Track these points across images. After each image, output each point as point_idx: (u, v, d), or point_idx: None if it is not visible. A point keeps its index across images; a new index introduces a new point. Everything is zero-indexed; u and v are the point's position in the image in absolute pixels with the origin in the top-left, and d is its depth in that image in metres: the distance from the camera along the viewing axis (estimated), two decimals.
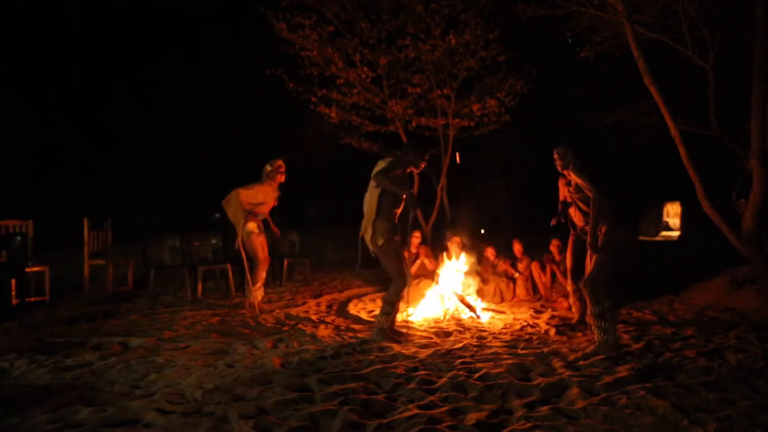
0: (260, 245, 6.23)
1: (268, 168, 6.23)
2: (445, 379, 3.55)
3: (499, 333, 5.18)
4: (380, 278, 8.36)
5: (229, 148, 19.58)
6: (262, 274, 6.34)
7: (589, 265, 4.54)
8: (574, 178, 4.68)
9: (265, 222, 6.43)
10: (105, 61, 18.57)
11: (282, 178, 6.27)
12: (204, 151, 19.77)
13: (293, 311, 6.20)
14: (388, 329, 4.79)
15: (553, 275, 6.89)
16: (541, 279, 6.97)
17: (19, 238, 6.28)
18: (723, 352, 4.24)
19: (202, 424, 2.81)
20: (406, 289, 4.86)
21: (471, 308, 5.97)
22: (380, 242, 4.65)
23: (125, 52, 18.66)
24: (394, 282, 4.74)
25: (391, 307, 4.74)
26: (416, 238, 7.31)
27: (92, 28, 17.90)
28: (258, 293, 6.31)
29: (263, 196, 6.17)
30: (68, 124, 18.73)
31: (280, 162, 6.25)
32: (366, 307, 6.61)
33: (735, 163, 6.45)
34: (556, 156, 4.80)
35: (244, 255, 6.13)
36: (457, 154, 8.40)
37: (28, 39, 17.30)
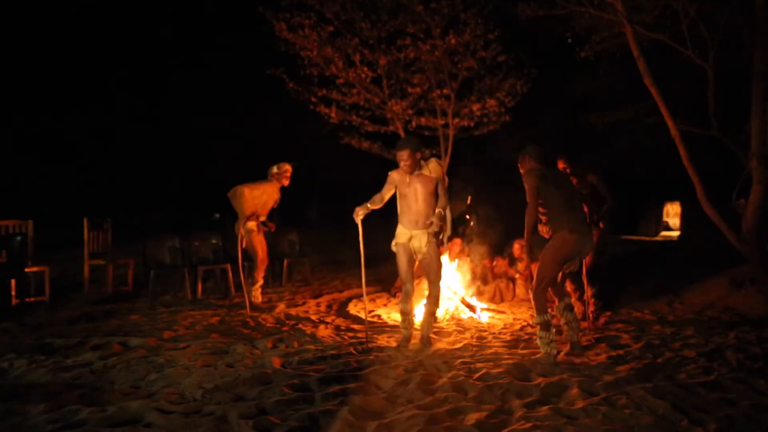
0: (260, 244, 6.31)
1: (275, 170, 6.37)
2: (445, 379, 3.55)
3: (499, 333, 5.18)
4: (380, 278, 8.36)
5: (229, 148, 19.58)
6: (261, 274, 6.39)
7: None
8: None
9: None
10: (105, 60, 18.57)
11: (286, 182, 6.41)
12: (204, 151, 19.77)
13: (293, 311, 6.21)
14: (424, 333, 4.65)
15: None
16: None
17: (19, 238, 6.27)
18: (723, 352, 4.24)
19: (202, 424, 2.81)
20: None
21: (471, 308, 5.97)
22: (393, 243, 4.66)
23: (126, 52, 18.65)
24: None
25: (404, 315, 4.60)
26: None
27: (92, 27, 17.90)
28: (258, 293, 6.37)
29: (267, 196, 6.29)
30: (68, 124, 18.70)
31: (287, 167, 6.40)
32: (366, 307, 6.60)
33: (735, 163, 6.43)
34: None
35: (240, 253, 6.16)
36: (469, 197, 8.43)
37: (28, 35, 17.30)
